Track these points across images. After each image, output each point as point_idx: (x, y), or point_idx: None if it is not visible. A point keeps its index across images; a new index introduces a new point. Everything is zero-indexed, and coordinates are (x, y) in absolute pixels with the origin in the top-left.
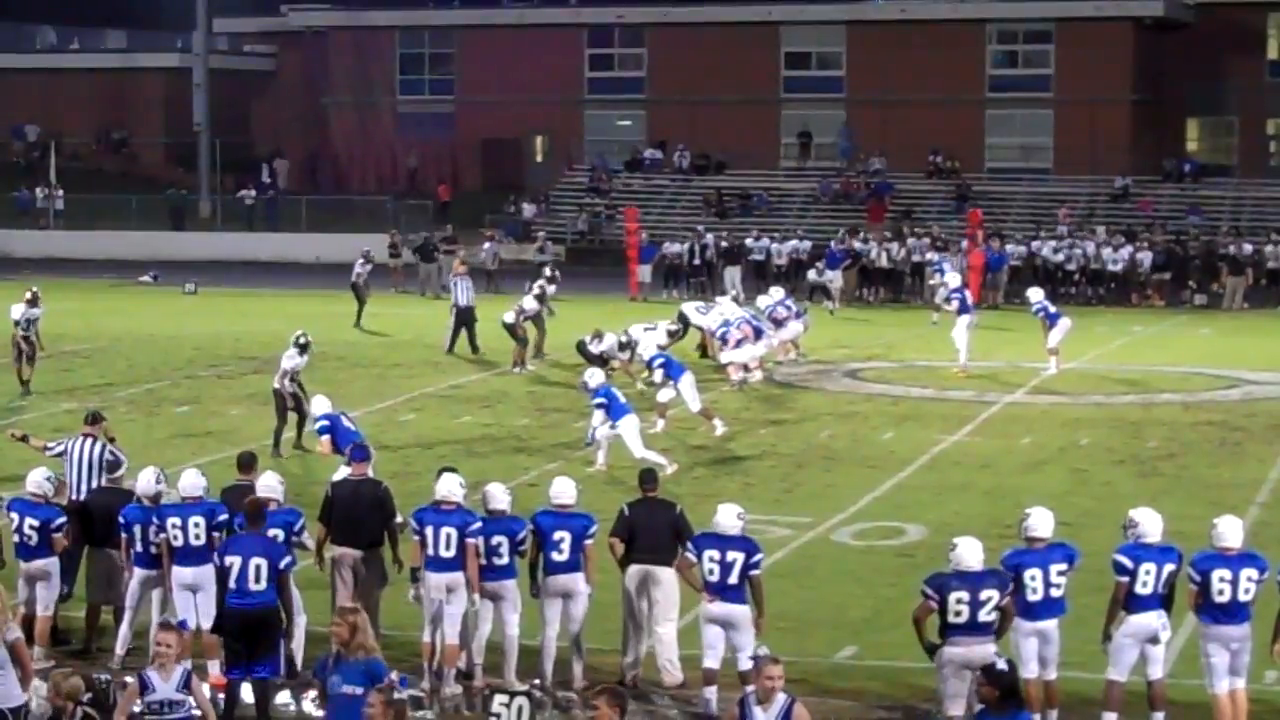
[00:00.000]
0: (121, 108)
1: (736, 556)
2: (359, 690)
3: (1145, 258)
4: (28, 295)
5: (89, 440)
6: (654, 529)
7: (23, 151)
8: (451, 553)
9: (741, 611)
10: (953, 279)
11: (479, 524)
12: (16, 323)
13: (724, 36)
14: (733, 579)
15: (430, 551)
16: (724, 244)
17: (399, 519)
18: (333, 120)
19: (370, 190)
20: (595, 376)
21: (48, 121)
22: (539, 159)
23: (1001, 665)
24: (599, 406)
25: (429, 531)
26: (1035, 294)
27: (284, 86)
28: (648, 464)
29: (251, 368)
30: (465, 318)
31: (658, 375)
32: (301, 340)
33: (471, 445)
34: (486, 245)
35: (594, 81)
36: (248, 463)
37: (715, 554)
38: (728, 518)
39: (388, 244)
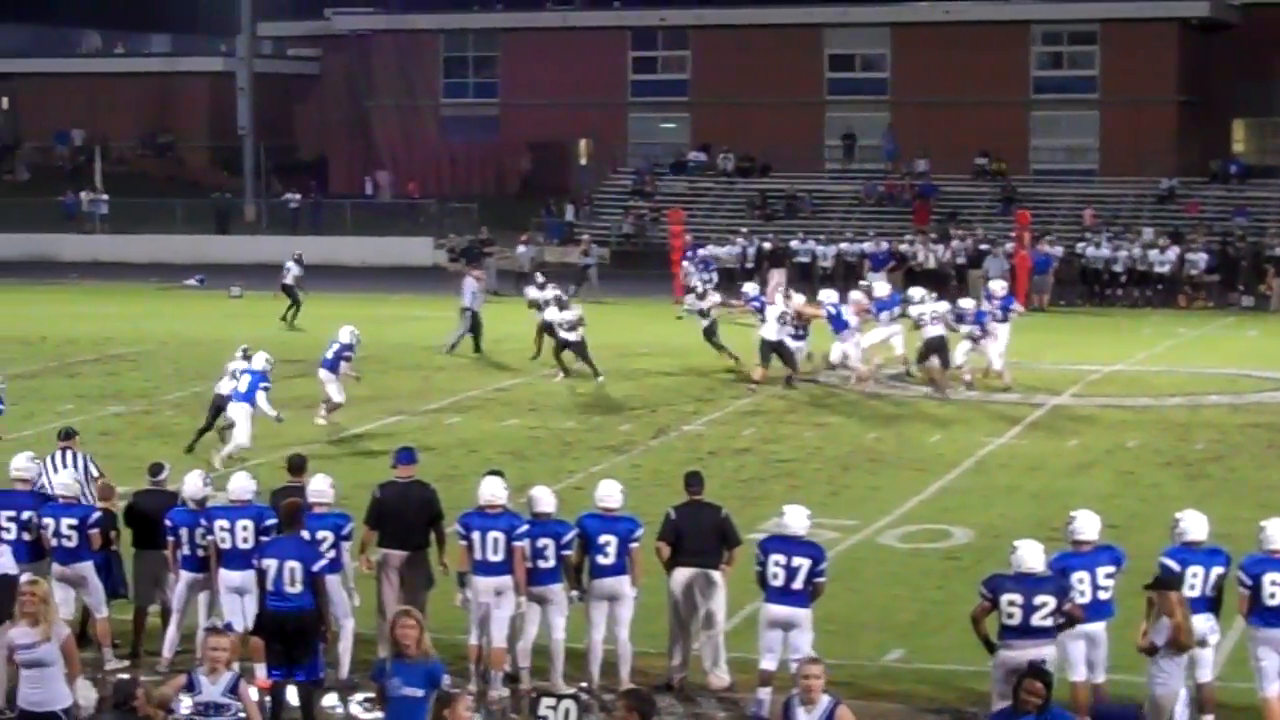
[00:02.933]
0: (166, 112)
1: (803, 562)
2: (419, 693)
3: (1200, 259)
4: None
5: (65, 453)
6: (700, 532)
7: (68, 156)
8: (499, 556)
9: (805, 614)
10: (998, 286)
11: (525, 527)
12: None
13: (768, 38)
14: (797, 584)
15: (478, 555)
16: (768, 246)
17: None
18: (376, 124)
19: (415, 193)
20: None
21: (93, 126)
22: (583, 162)
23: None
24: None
25: (476, 536)
26: (828, 295)
27: (328, 90)
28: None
29: (296, 371)
30: (476, 321)
31: None
32: (245, 353)
33: (517, 448)
34: (521, 248)
35: (637, 84)
36: (299, 465)
37: (781, 558)
38: (796, 520)
39: (446, 249)
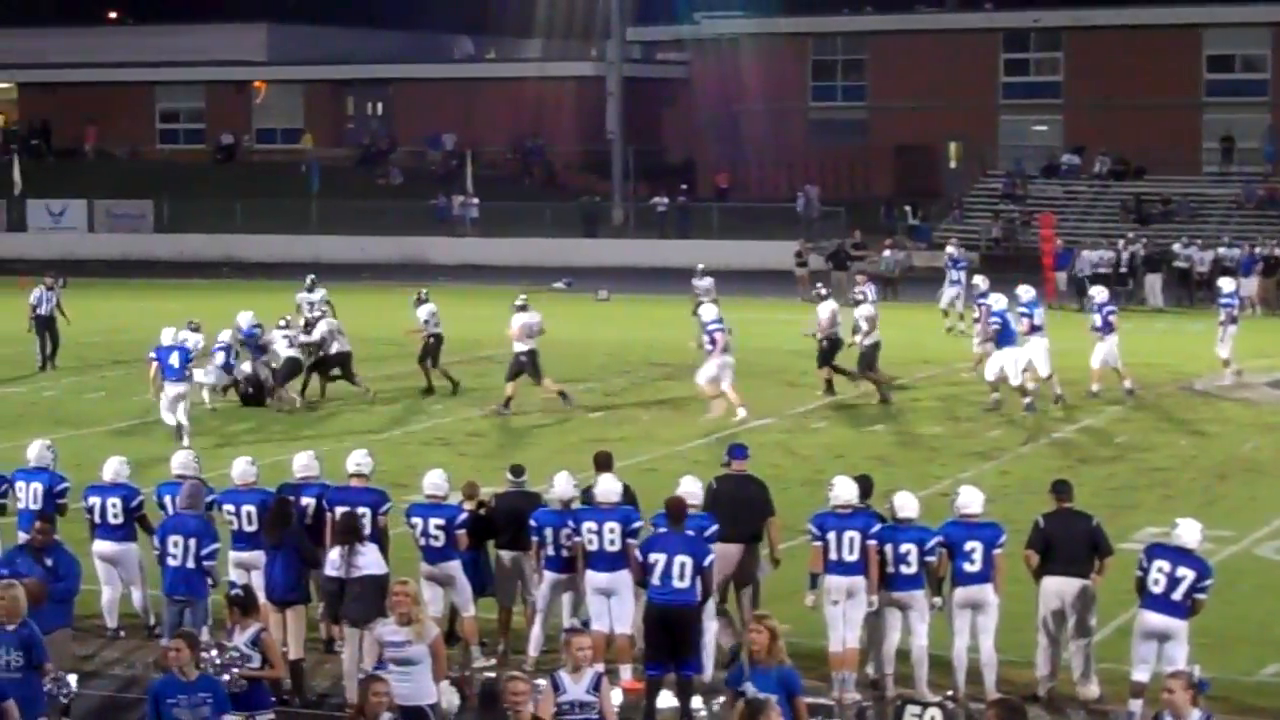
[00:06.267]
0: (536, 116)
1: (1187, 574)
2: (772, 698)
3: None
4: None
5: None
6: (1070, 540)
7: (440, 160)
8: (854, 556)
9: (1181, 626)
10: (1099, 291)
11: (879, 526)
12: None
13: (1144, 39)
14: (1177, 594)
15: (833, 555)
16: (1145, 251)
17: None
18: (744, 127)
19: (781, 197)
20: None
21: (464, 130)
22: (953, 165)
23: None
24: None
25: (831, 536)
26: (1025, 291)
27: (696, 94)
28: None
29: (662, 374)
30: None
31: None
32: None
33: (883, 454)
34: (887, 253)
35: (1009, 86)
36: (605, 462)
37: (1165, 565)
38: (1190, 534)
39: (816, 251)
